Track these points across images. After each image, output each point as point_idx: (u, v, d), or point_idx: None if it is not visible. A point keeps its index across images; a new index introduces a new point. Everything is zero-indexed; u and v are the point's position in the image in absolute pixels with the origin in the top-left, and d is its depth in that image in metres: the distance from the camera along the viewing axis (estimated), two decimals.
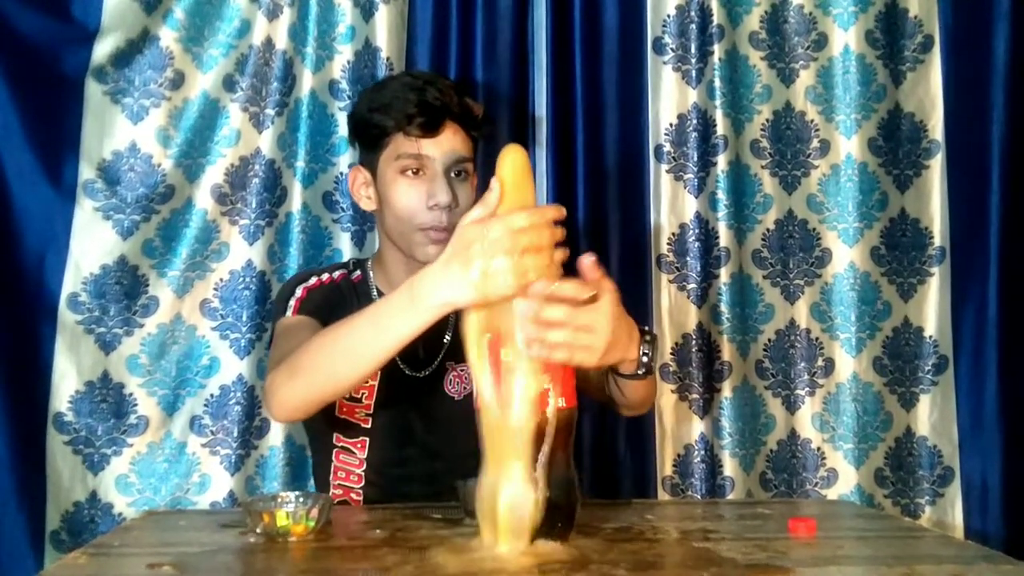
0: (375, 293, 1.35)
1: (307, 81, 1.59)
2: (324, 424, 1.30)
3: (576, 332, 0.93)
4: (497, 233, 0.90)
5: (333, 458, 1.33)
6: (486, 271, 0.90)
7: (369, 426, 1.30)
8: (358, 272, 1.38)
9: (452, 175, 1.26)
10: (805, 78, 1.72)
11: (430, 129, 1.24)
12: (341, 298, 1.33)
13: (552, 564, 0.89)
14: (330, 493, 1.32)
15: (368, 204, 1.34)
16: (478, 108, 1.30)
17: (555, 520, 0.94)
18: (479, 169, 1.33)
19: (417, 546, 0.97)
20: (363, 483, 1.31)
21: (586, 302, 0.94)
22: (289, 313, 1.30)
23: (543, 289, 0.91)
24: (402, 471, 1.29)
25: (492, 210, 0.93)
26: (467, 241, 0.92)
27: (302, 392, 1.08)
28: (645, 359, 1.05)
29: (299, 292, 1.32)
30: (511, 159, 0.96)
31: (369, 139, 1.30)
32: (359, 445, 1.31)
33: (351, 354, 1.02)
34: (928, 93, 1.72)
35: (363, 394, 1.28)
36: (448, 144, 1.26)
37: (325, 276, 1.36)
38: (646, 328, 1.06)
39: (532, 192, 0.97)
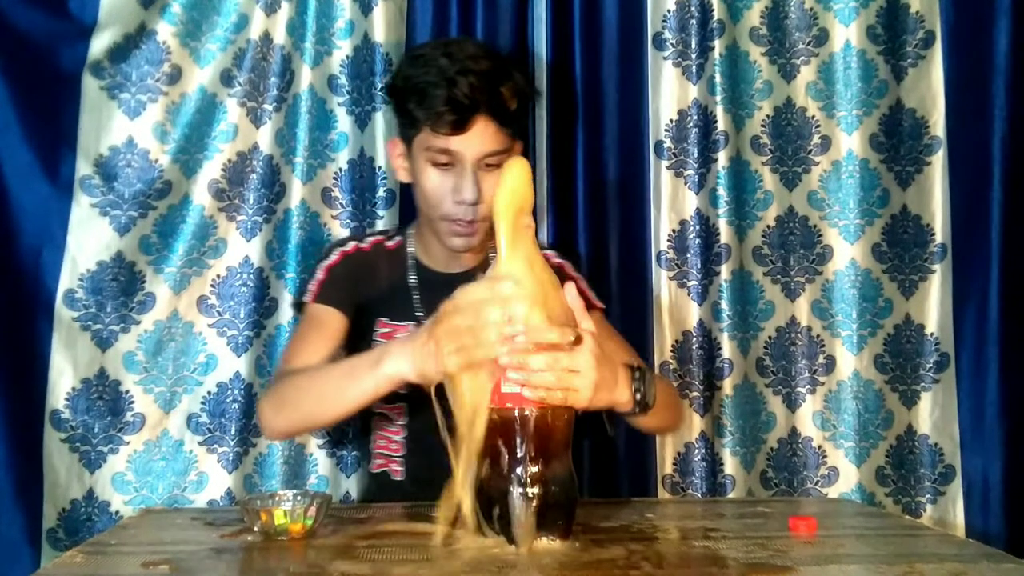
0: (410, 261, 1.38)
1: (305, 76, 1.59)
2: None
3: (562, 375, 0.94)
4: (443, 318, 0.96)
5: (374, 425, 1.36)
6: (426, 352, 0.97)
7: (406, 391, 1.30)
8: (398, 238, 1.41)
9: (483, 166, 1.25)
10: (806, 74, 1.72)
11: (458, 127, 1.22)
12: (368, 268, 1.37)
13: (551, 562, 0.89)
14: (372, 464, 1.36)
15: (404, 176, 1.35)
16: (512, 100, 1.26)
17: (555, 518, 0.94)
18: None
19: (416, 545, 0.96)
20: (403, 452, 1.32)
21: (571, 345, 0.95)
22: (309, 298, 1.34)
23: (532, 337, 0.93)
24: (441, 440, 1.28)
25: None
26: (432, 321, 0.98)
27: (285, 424, 1.21)
28: (639, 396, 1.05)
29: (320, 274, 1.36)
30: (514, 173, 0.97)
31: (402, 120, 1.30)
32: (397, 411, 1.34)
33: (323, 400, 1.12)
34: (929, 89, 1.72)
35: None
36: (477, 140, 1.23)
37: (351, 246, 1.39)
38: (635, 365, 1.07)
39: (529, 203, 0.99)
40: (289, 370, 1.24)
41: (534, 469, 0.93)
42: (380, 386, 1.06)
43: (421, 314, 1.33)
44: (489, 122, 1.23)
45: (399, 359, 1.02)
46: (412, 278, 1.37)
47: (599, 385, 0.98)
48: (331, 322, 1.32)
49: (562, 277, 1.40)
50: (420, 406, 1.29)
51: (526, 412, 0.94)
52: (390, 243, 1.40)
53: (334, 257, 1.37)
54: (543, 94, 1.65)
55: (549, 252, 1.45)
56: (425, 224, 1.35)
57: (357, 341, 1.33)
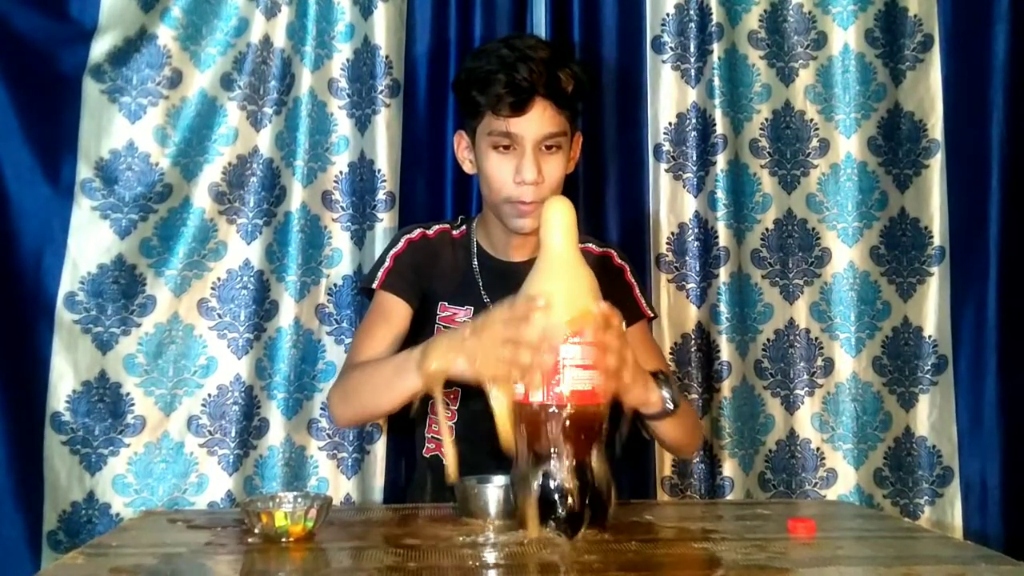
0: (475, 248, 1.43)
1: (306, 80, 1.59)
2: None
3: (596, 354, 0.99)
4: (486, 325, 1.02)
5: (429, 410, 1.38)
6: (468, 352, 1.03)
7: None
8: (462, 228, 1.46)
9: (543, 149, 1.29)
10: (804, 77, 1.72)
11: (517, 109, 1.26)
12: (432, 254, 1.42)
13: (549, 563, 0.89)
14: (424, 448, 1.41)
15: (470, 168, 1.39)
16: (569, 83, 1.30)
17: (598, 509, 0.97)
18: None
19: (416, 546, 0.97)
20: (453, 437, 1.33)
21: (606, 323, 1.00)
22: (376, 284, 1.39)
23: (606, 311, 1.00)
24: (492, 428, 1.29)
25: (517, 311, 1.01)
26: (478, 323, 1.04)
27: (350, 413, 1.29)
28: (667, 395, 1.13)
29: (387, 261, 1.41)
30: (555, 212, 1.03)
31: (466, 110, 1.35)
32: (451, 396, 1.37)
33: (378, 393, 1.20)
34: (928, 92, 1.72)
35: None
36: (536, 122, 1.28)
37: (416, 233, 1.43)
38: (658, 372, 1.15)
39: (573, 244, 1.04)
40: (355, 361, 1.32)
41: (579, 462, 0.95)
42: (424, 383, 1.12)
43: (488, 300, 1.37)
44: (547, 104, 1.28)
45: (443, 355, 1.08)
46: (476, 265, 1.41)
47: (635, 380, 1.05)
48: (396, 311, 1.37)
49: (621, 280, 1.46)
50: (472, 393, 1.31)
51: (568, 408, 0.96)
52: (455, 232, 1.45)
53: (400, 245, 1.42)
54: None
55: (611, 250, 1.49)
56: (490, 212, 1.39)
57: (421, 324, 1.38)
